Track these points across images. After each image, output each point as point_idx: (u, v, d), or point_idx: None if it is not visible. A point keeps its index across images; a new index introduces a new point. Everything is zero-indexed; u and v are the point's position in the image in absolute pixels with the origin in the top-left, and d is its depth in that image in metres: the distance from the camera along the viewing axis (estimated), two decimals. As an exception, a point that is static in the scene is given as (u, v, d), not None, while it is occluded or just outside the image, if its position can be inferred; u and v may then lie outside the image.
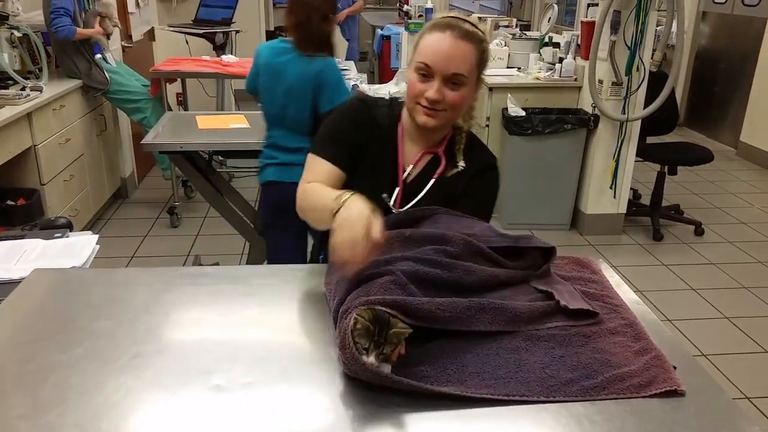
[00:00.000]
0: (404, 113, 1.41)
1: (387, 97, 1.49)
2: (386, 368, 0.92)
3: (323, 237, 1.43)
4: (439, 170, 1.39)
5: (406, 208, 1.37)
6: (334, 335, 1.04)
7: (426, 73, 1.28)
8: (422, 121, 1.32)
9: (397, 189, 1.38)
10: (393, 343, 0.92)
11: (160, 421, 0.89)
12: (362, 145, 1.38)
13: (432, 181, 1.38)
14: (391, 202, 1.38)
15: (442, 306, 1.01)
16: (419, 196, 1.38)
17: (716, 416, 0.92)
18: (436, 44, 1.28)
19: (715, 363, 2.60)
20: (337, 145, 1.38)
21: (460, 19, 1.31)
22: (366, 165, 1.39)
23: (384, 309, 0.95)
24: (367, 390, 0.93)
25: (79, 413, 0.89)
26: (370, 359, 0.90)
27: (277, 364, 1.02)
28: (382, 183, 1.39)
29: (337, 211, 1.09)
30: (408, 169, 1.39)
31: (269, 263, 2.52)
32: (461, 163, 1.40)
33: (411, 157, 1.40)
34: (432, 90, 1.28)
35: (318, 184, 1.31)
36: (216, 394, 0.93)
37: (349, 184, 1.34)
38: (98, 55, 3.62)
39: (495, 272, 1.14)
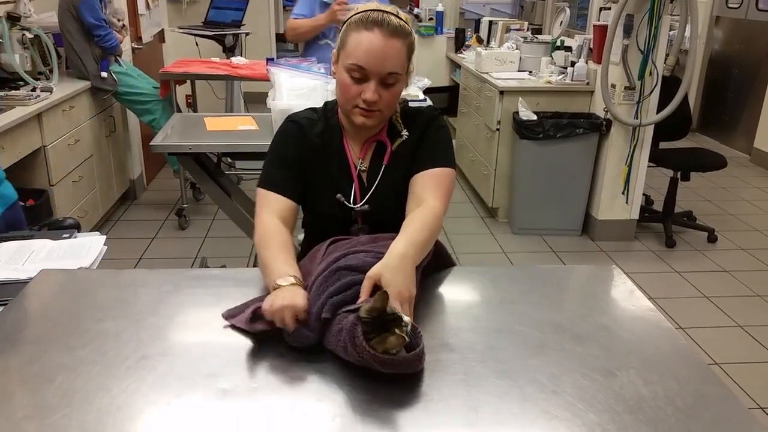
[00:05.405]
0: (340, 113, 1.42)
1: (320, 105, 1.47)
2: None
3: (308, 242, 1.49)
4: (388, 152, 1.41)
5: (366, 198, 1.39)
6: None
7: (360, 75, 1.27)
8: (360, 122, 1.33)
9: (354, 184, 1.40)
10: (396, 320, 0.96)
11: (165, 424, 0.88)
12: (309, 161, 1.39)
13: (383, 167, 1.40)
14: (351, 199, 1.39)
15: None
16: (375, 184, 1.40)
17: (732, 427, 0.90)
18: (367, 45, 1.25)
19: (729, 372, 2.56)
20: (284, 171, 1.38)
21: (386, 12, 1.28)
22: (321, 174, 1.40)
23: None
24: (376, 397, 0.92)
25: (84, 415, 0.88)
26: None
27: (283, 369, 1.01)
28: (340, 183, 1.40)
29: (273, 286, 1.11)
30: (359, 163, 1.41)
31: None
32: (404, 132, 1.40)
33: (358, 150, 1.42)
34: (369, 92, 1.27)
35: (275, 242, 1.28)
36: (221, 399, 0.92)
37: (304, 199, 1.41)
38: (104, 73, 3.58)
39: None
